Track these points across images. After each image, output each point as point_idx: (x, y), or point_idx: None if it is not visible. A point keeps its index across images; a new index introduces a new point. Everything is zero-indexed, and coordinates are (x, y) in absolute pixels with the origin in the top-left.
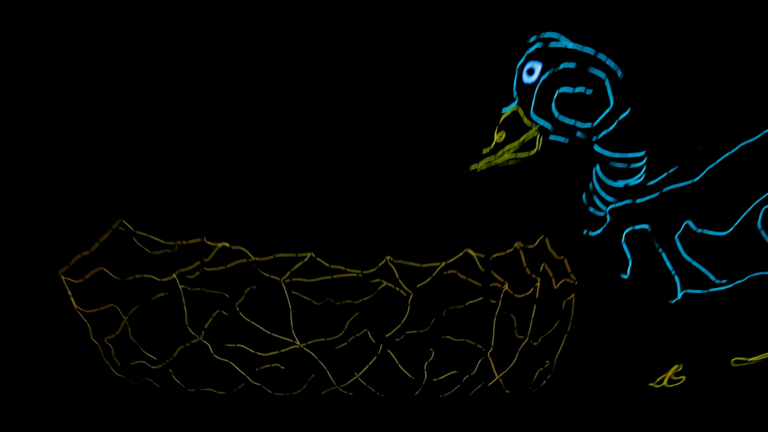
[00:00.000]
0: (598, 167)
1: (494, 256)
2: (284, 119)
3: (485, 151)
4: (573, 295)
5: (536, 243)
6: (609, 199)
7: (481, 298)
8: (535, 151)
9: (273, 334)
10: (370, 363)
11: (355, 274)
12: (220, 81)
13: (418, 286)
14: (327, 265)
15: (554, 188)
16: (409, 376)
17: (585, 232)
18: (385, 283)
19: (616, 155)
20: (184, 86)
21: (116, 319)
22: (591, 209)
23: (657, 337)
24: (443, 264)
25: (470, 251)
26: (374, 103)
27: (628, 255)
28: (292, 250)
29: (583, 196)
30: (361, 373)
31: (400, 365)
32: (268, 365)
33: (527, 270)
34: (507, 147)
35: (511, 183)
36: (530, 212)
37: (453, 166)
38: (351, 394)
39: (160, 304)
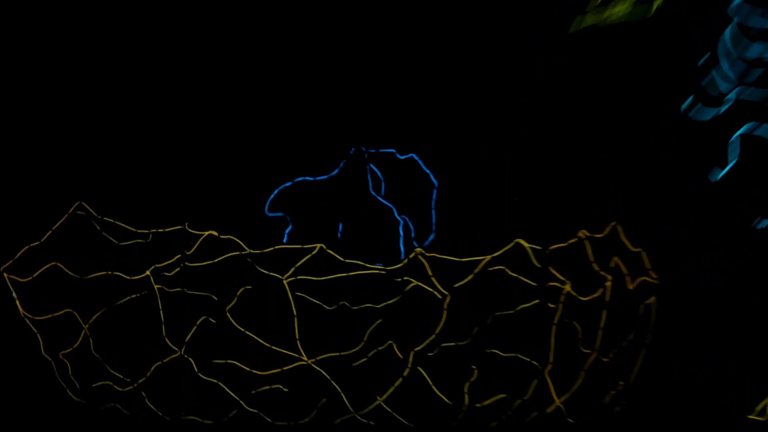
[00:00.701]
0: (728, 32)
1: (552, 247)
2: (290, 81)
3: (593, 4)
4: (654, 298)
5: (606, 231)
6: (731, 74)
7: (536, 301)
8: (652, 12)
9: (273, 347)
10: (396, 384)
11: (376, 271)
12: (204, 50)
13: (456, 285)
14: (341, 259)
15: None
16: (446, 400)
17: (713, 178)
18: (414, 282)
19: (760, 10)
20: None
21: (75, 329)
22: (696, 110)
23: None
24: (488, 258)
25: (522, 242)
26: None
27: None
28: (297, 240)
29: (687, 102)
30: (384, 396)
31: (433, 387)
32: (268, 387)
33: (594, 266)
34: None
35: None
36: (596, 188)
37: (500, 132)
38: (372, 423)
39: (130, 308)
